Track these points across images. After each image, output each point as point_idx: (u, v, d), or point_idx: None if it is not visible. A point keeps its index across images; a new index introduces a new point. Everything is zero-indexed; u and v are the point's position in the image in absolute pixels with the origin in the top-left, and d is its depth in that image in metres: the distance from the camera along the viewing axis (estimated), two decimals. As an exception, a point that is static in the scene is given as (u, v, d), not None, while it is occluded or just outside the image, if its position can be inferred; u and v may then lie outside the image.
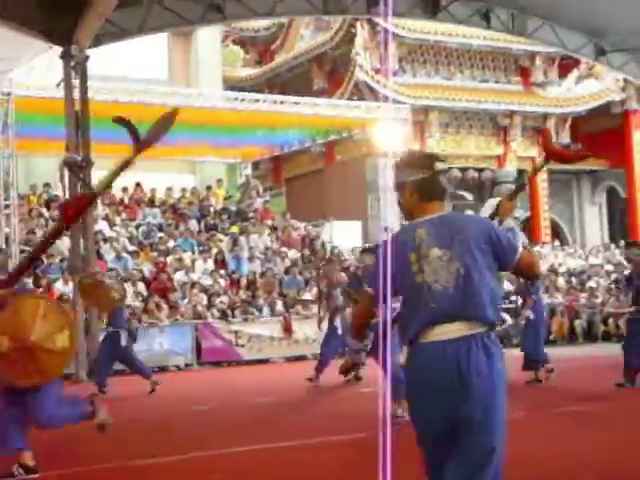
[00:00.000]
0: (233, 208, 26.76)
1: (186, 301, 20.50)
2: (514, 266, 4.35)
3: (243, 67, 36.30)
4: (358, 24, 28.93)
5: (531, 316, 13.80)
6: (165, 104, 22.17)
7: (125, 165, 3.79)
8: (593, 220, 36.48)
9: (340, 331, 15.13)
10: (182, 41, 29.42)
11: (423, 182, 4.30)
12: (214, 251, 23.45)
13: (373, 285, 4.29)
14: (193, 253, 23.19)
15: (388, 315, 3.61)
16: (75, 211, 3.59)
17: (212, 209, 26.37)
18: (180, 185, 27.22)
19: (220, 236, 24.47)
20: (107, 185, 3.83)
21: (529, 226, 32.38)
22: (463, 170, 31.56)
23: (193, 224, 24.97)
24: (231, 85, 32.03)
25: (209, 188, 27.43)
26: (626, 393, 12.13)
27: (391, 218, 26.26)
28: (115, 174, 3.86)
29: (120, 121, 3.68)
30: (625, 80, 30.02)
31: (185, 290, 20.94)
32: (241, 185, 29.48)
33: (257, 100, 24.64)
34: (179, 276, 21.54)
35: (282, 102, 24.87)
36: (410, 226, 4.34)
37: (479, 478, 4.04)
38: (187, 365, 19.25)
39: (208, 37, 29.80)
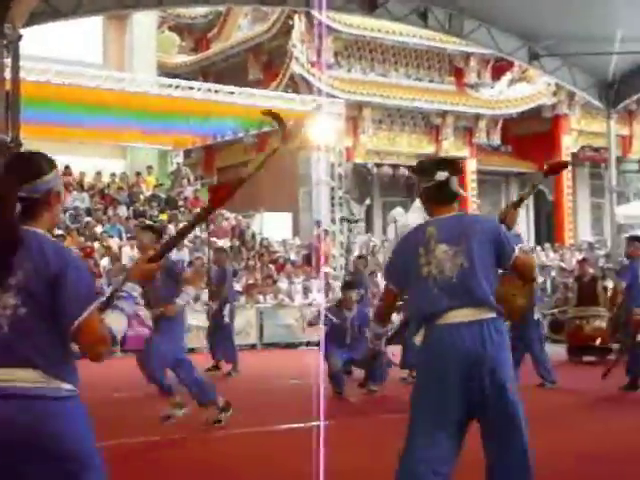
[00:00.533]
0: (163, 196, 26.55)
1: (112, 288, 20.30)
2: (511, 266, 4.79)
3: (178, 54, 36.04)
4: (296, 16, 28.91)
5: None
6: (98, 87, 21.98)
7: (272, 152, 3.88)
8: (520, 222, 36.69)
9: (227, 320, 15.11)
10: (117, 24, 29.05)
11: (429, 189, 4.76)
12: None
13: (387, 277, 4.99)
14: (121, 239, 22.97)
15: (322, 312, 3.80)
16: (225, 195, 3.73)
17: (141, 196, 26.13)
18: (110, 170, 26.90)
19: (148, 223, 24.26)
20: (257, 168, 3.90)
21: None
22: (394, 167, 31.74)
23: (122, 210, 24.71)
24: (165, 71, 31.76)
25: (139, 174, 27.17)
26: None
27: (322, 211, 26.34)
28: (262, 162, 3.93)
29: (269, 114, 3.92)
30: (557, 85, 30.45)
31: (111, 277, 20.73)
32: (172, 173, 29.26)
33: (191, 88, 24.46)
34: (106, 262, 21.32)
35: (217, 91, 24.72)
36: (422, 224, 4.82)
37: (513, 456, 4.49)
38: (111, 352, 19.04)
39: (144, 22, 29.46)
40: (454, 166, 4.89)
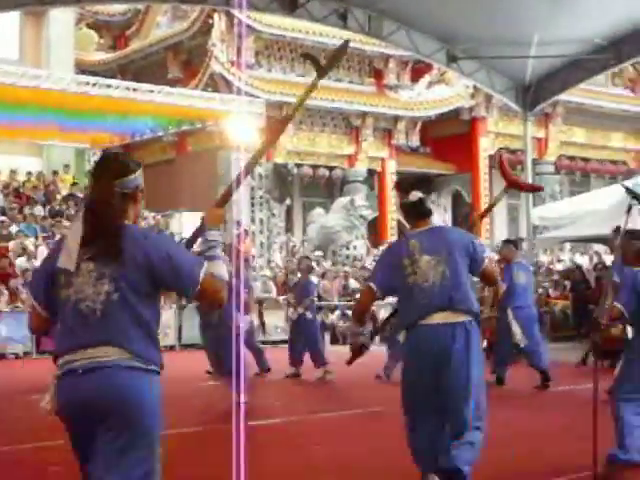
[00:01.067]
0: (80, 194, 26.20)
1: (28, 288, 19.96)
2: (480, 272, 5.66)
3: (96, 51, 35.58)
4: (216, 15, 28.78)
5: None
6: (14, 84, 21.61)
7: (310, 91, 4.70)
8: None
9: None
10: (34, 20, 28.60)
11: (407, 206, 5.57)
12: (58, 237, 22.90)
13: (372, 281, 5.54)
14: (36, 239, 22.60)
15: (235, 309, 4.03)
16: (275, 136, 4.70)
17: (58, 195, 25.75)
18: (25, 168, 26.48)
19: (66, 222, 23.90)
20: (296, 109, 4.86)
21: (376, 226, 32.88)
22: (314, 168, 31.80)
23: (38, 209, 24.32)
24: (83, 69, 31.35)
25: (55, 173, 26.78)
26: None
27: (242, 211, 26.26)
28: (302, 100, 4.83)
29: (306, 55, 4.94)
30: (474, 87, 30.79)
31: (27, 276, 20.37)
32: (89, 171, 28.89)
33: (109, 86, 24.19)
34: (21, 262, 20.95)
35: (135, 89, 24.49)
36: (405, 238, 5.58)
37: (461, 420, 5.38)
38: (26, 353, 18.75)
39: (61, 18, 29.04)
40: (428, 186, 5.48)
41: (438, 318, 5.33)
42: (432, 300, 5.32)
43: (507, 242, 13.80)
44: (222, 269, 3.79)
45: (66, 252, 3.67)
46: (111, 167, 3.76)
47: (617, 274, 6.72)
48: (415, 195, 5.47)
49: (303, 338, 14.11)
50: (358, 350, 6.22)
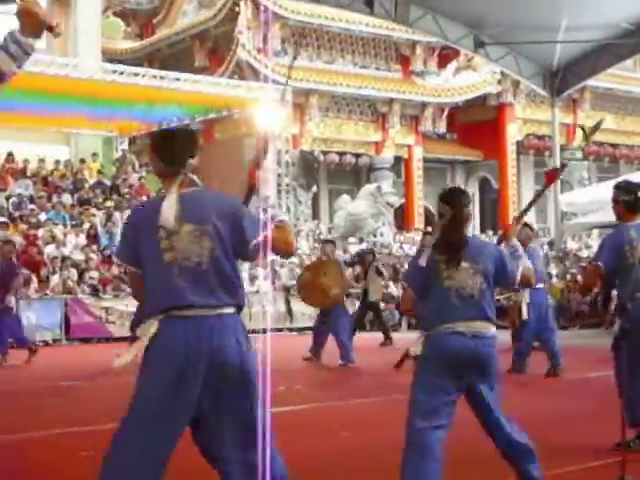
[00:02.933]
0: (108, 183, 26.30)
1: (56, 276, 20.08)
2: None
3: (123, 40, 35.70)
4: (242, 3, 28.81)
5: None
6: (42, 73, 21.69)
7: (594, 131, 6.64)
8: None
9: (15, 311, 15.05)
10: (61, 9, 28.68)
11: (628, 203, 6.83)
12: (87, 226, 23.02)
13: (600, 261, 6.75)
14: (65, 227, 22.72)
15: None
16: (555, 175, 7.01)
17: (86, 183, 25.87)
18: (54, 157, 26.59)
19: (93, 211, 24.01)
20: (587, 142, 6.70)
21: (402, 213, 32.83)
22: (341, 155, 31.79)
23: (66, 197, 24.43)
24: (110, 57, 31.46)
25: (83, 161, 26.89)
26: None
27: (270, 199, 26.27)
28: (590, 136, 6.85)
29: (581, 127, 7.01)
30: (502, 73, 30.65)
31: (55, 264, 20.52)
32: (117, 160, 28.97)
33: (136, 74, 24.21)
34: (50, 250, 21.08)
35: (162, 77, 24.49)
36: (624, 227, 6.81)
37: None
38: (55, 340, 18.90)
39: (88, 6, 29.11)
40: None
41: None
42: None
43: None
44: (527, 262, 5.44)
45: (426, 254, 5.23)
46: (463, 199, 5.32)
47: None
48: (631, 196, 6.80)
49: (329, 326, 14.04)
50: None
